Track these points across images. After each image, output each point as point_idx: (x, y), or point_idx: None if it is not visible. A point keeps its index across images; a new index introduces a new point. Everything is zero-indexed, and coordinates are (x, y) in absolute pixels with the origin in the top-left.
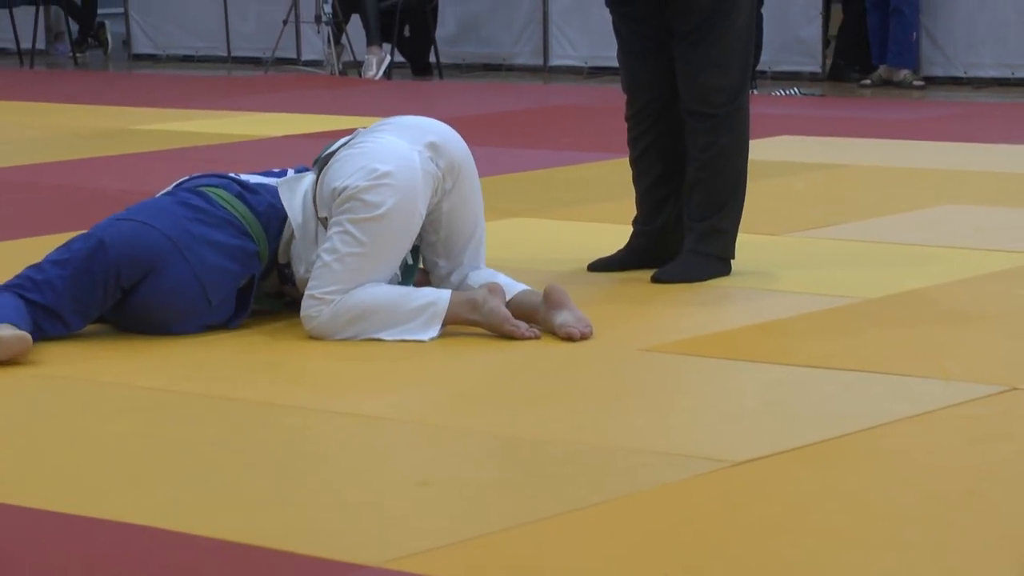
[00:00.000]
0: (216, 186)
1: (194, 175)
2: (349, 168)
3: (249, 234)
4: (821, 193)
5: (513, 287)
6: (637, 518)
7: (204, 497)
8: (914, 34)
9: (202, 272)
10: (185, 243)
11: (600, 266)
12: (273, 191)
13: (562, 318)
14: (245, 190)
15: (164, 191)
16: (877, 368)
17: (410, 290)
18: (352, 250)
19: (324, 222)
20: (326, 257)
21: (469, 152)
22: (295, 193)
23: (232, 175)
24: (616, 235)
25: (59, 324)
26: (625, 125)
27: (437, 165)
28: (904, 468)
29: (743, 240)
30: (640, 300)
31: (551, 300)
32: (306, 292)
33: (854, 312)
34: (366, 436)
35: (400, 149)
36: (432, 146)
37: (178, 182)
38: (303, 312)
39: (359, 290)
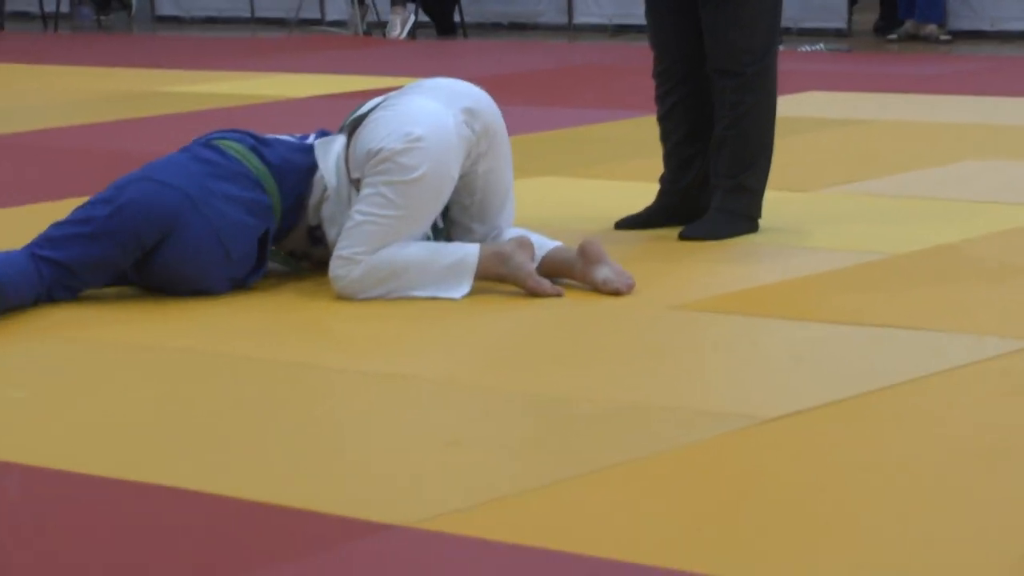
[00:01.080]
0: (229, 139)
1: (210, 132)
2: (383, 130)
3: (263, 186)
4: (849, 149)
5: (546, 244)
6: (668, 475)
7: (235, 459)
8: None
9: (221, 227)
10: (203, 199)
11: (627, 224)
12: (289, 145)
13: (604, 274)
14: (259, 143)
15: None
16: (908, 324)
17: (439, 246)
18: (385, 212)
19: (357, 184)
20: (358, 217)
21: (501, 116)
22: (328, 155)
23: (248, 131)
24: (645, 193)
25: (75, 280)
26: (653, 83)
27: (472, 129)
28: (936, 424)
29: (771, 197)
30: (669, 258)
31: (588, 255)
32: (335, 252)
33: (884, 268)
34: (395, 396)
35: (435, 112)
36: (468, 111)
37: (196, 140)
38: (332, 272)
39: (387, 249)
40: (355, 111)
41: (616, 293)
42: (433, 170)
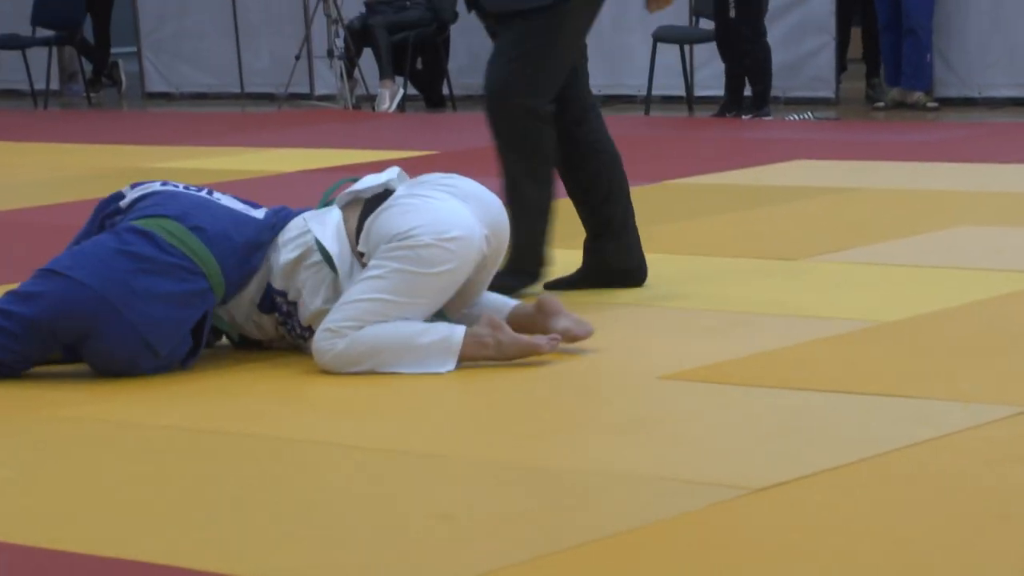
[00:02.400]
0: (167, 217)
1: (147, 189)
2: (415, 219)
3: (202, 271)
4: (836, 217)
5: (507, 304)
6: (658, 546)
7: (223, 535)
8: (928, 56)
9: (145, 328)
10: (123, 301)
11: (555, 286)
12: (235, 218)
13: (563, 324)
14: (200, 217)
15: (127, 199)
16: (897, 392)
17: (423, 324)
18: (387, 296)
19: (360, 257)
20: (357, 294)
21: (508, 227)
22: (326, 225)
23: (185, 192)
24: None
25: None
26: (635, 151)
27: (489, 247)
28: (925, 492)
29: (758, 266)
30: (656, 327)
31: (545, 309)
32: (323, 324)
33: (872, 336)
34: (384, 470)
35: (470, 222)
36: (491, 228)
37: (133, 196)
38: (316, 345)
39: (372, 326)
40: (344, 186)
41: (575, 339)
42: (450, 273)
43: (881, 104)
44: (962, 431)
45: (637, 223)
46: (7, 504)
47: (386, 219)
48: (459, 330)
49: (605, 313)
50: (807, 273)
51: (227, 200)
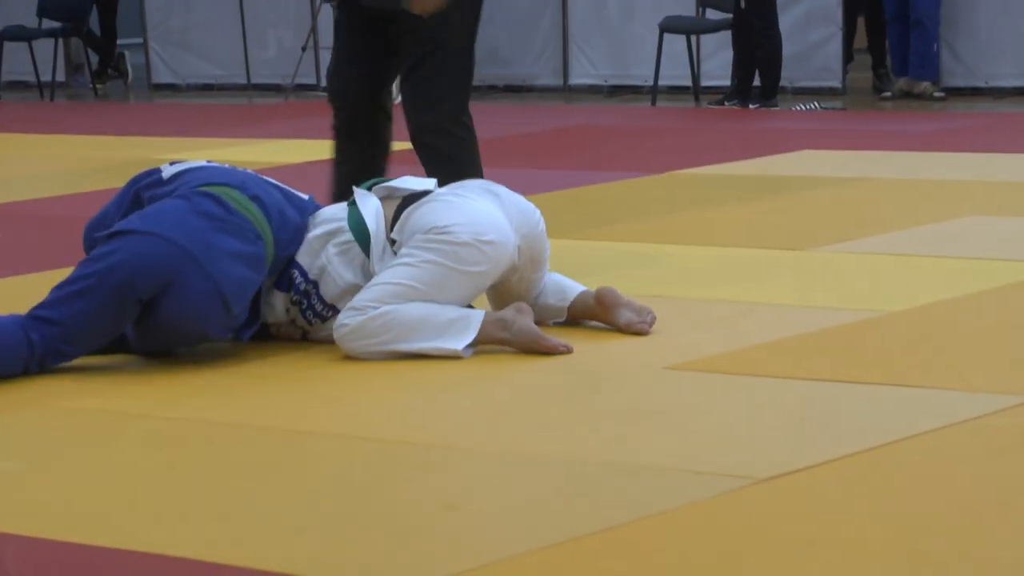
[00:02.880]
0: (230, 187)
1: (189, 164)
2: (456, 215)
3: (262, 239)
4: (843, 207)
5: (574, 289)
6: (666, 537)
7: (230, 527)
8: (935, 46)
9: (223, 282)
10: (206, 256)
11: None
12: (286, 195)
13: (625, 317)
14: (257, 191)
15: (167, 173)
16: (904, 382)
17: (441, 306)
18: (415, 284)
19: (391, 244)
20: (386, 278)
21: (545, 233)
22: (368, 205)
23: (243, 172)
24: (640, 253)
25: (69, 344)
26: (642, 142)
27: (520, 257)
28: (931, 481)
29: (765, 255)
30: (662, 318)
31: (604, 301)
32: (348, 305)
33: (879, 326)
34: (391, 460)
35: (506, 230)
36: (525, 239)
37: (176, 170)
38: (337, 321)
39: (391, 304)
40: (379, 181)
41: (640, 334)
42: (480, 276)
43: (888, 94)
44: (968, 420)
45: (645, 214)
46: (15, 496)
47: (426, 212)
48: (477, 312)
49: None
50: (814, 263)
51: (272, 180)
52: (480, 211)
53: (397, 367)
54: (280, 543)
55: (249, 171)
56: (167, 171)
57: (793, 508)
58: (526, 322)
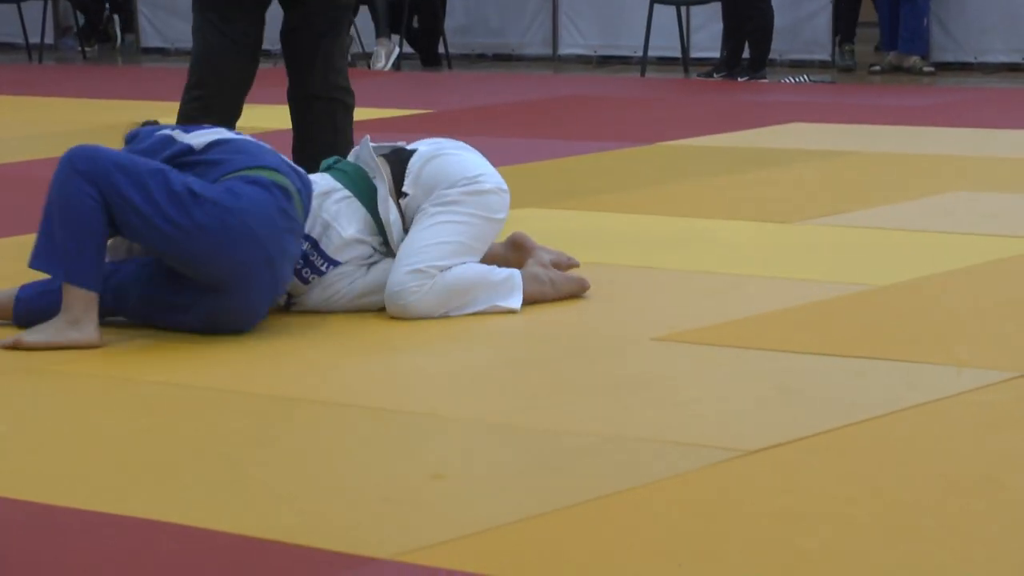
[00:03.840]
0: (288, 179)
1: (218, 134)
2: (479, 166)
3: (304, 237)
4: (832, 180)
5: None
6: (651, 508)
7: (217, 492)
8: (925, 20)
9: (281, 288)
10: (280, 261)
11: None
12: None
13: (548, 257)
14: (302, 181)
15: (194, 141)
16: (890, 356)
17: (487, 267)
18: (466, 241)
19: (402, 197)
20: (439, 235)
21: None
22: (374, 156)
23: (282, 157)
24: (631, 224)
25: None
26: (630, 112)
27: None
28: (918, 456)
29: (753, 228)
30: (649, 290)
31: (523, 245)
32: (408, 266)
33: (866, 300)
34: (378, 429)
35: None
36: None
37: (207, 140)
38: (403, 285)
39: (451, 269)
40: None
41: (569, 267)
42: (500, 223)
43: (878, 68)
44: (955, 395)
45: (633, 184)
46: (1, 459)
47: (446, 163)
48: (516, 271)
49: (598, 274)
50: (802, 236)
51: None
52: (484, 161)
53: (383, 334)
54: (266, 510)
55: (264, 144)
56: (192, 139)
57: (779, 481)
58: (557, 273)
